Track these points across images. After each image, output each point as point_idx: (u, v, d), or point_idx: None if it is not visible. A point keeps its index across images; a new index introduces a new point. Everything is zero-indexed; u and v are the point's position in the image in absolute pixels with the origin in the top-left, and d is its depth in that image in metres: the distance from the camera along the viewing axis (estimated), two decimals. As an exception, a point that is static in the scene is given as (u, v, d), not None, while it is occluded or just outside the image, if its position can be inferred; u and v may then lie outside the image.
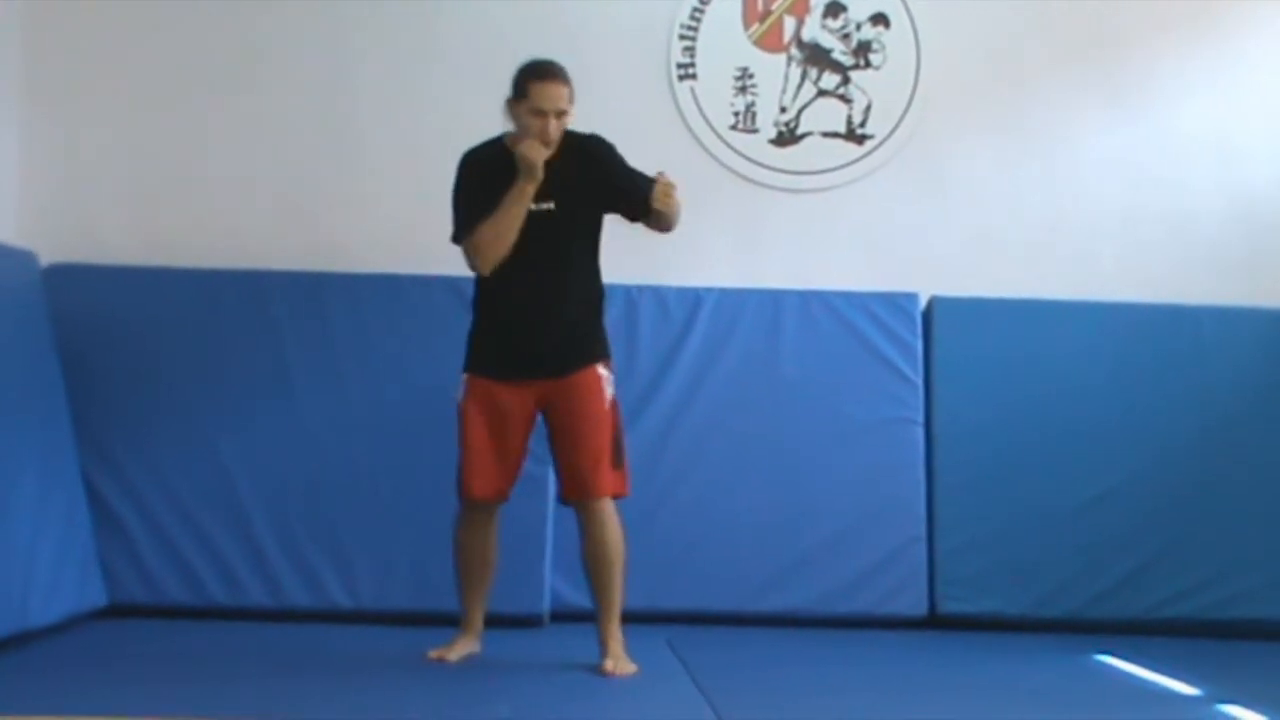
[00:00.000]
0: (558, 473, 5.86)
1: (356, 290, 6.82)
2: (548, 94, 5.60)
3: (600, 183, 5.74)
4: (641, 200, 5.67)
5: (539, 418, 5.84)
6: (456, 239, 5.75)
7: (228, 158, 7.11)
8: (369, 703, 5.08)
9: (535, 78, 5.62)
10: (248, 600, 6.59)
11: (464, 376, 5.81)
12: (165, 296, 6.80)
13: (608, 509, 5.76)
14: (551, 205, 5.68)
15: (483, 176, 5.71)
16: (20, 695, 4.92)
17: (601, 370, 5.78)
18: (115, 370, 6.68)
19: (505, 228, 5.63)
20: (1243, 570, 6.91)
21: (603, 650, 5.73)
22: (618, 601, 5.77)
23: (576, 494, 5.77)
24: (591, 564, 5.76)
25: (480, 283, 5.78)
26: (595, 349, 5.82)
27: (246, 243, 7.02)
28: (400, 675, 5.51)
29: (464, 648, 5.86)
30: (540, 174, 5.58)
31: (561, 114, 5.62)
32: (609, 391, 5.78)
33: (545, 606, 6.59)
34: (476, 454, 5.76)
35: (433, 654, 5.80)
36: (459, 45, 7.18)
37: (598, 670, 5.66)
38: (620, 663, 5.68)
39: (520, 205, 5.61)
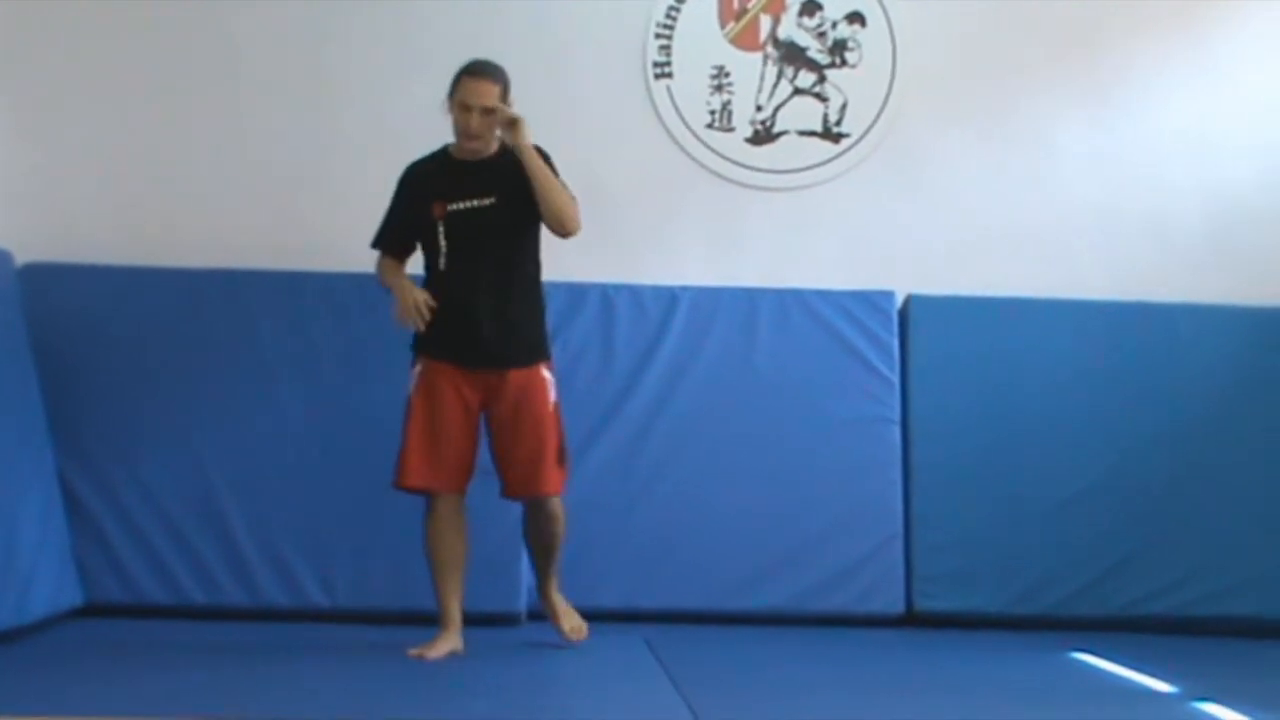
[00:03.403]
0: (500, 470, 6.03)
1: (336, 289, 6.81)
2: (472, 89, 5.85)
3: (527, 185, 5.90)
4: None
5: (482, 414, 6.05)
6: (374, 244, 6.14)
7: (206, 156, 7.10)
8: (346, 701, 5.08)
9: (464, 73, 5.89)
10: (225, 599, 6.58)
11: (416, 365, 6.02)
12: (143, 296, 6.78)
13: (556, 502, 6.04)
14: (492, 200, 5.91)
15: (414, 191, 6.06)
16: (-4, 695, 4.92)
17: (545, 372, 6.01)
18: (92, 370, 6.66)
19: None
20: (1218, 568, 6.93)
21: (555, 614, 6.19)
22: (558, 570, 6.20)
23: (523, 491, 6.01)
24: (539, 546, 6.15)
25: (429, 281, 6.01)
26: (539, 350, 6.05)
27: (225, 242, 7.01)
28: (378, 674, 5.51)
29: (446, 645, 5.89)
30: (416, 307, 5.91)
31: (487, 111, 5.84)
32: (553, 394, 6.01)
33: (522, 605, 6.59)
34: (414, 443, 5.95)
35: (412, 652, 5.82)
36: (438, 45, 7.15)
37: (564, 638, 6.14)
38: (575, 619, 6.20)
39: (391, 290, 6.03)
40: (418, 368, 5.99)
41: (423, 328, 5.90)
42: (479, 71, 5.88)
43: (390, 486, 6.01)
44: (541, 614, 6.51)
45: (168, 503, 6.62)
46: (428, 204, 5.96)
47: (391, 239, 6.09)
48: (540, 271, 6.09)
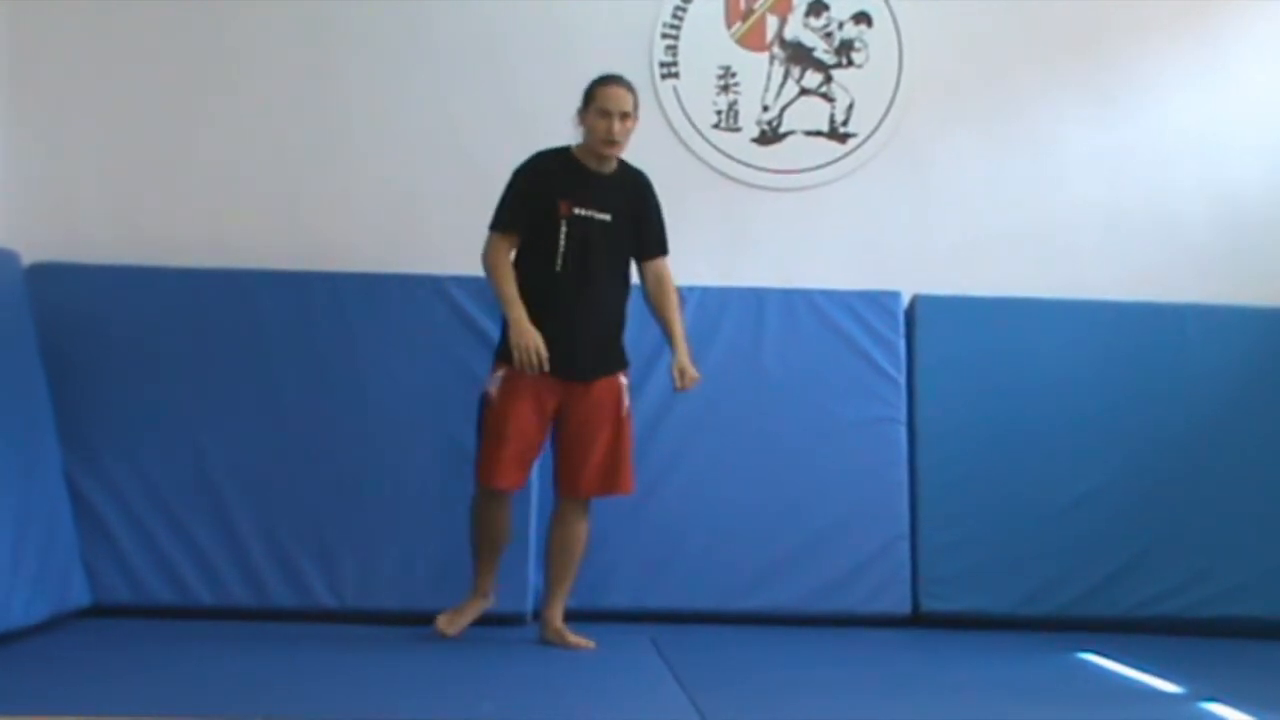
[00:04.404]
0: (571, 470, 6.18)
1: (340, 289, 6.81)
2: (612, 95, 6.08)
3: (640, 214, 6.20)
4: (647, 251, 6.27)
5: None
6: (492, 227, 6.16)
7: (211, 157, 7.10)
8: (352, 701, 5.08)
9: (601, 83, 6.13)
10: (232, 600, 6.58)
11: (500, 369, 6.13)
12: (149, 296, 6.78)
13: (588, 512, 6.26)
14: (609, 217, 6.12)
15: (541, 184, 6.14)
16: (3, 694, 4.91)
17: (623, 379, 6.25)
18: (98, 370, 6.66)
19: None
20: (1225, 568, 6.93)
21: (562, 634, 6.20)
22: (568, 594, 6.32)
23: (600, 490, 6.21)
24: (562, 555, 6.23)
25: (529, 277, 6.10)
26: (621, 360, 6.28)
27: (230, 242, 7.01)
28: (384, 674, 5.51)
29: (474, 610, 6.19)
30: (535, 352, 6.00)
31: (625, 116, 6.09)
32: (627, 399, 6.24)
33: (529, 606, 6.58)
34: (505, 446, 6.08)
35: (441, 619, 6.11)
36: (444, 44, 7.17)
37: (577, 646, 6.15)
38: (581, 638, 6.20)
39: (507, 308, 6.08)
40: (500, 372, 6.12)
41: (539, 370, 6.00)
42: (614, 80, 6.13)
43: (482, 484, 6.16)
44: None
45: (174, 503, 6.61)
46: (554, 200, 6.11)
47: (517, 223, 6.15)
48: (629, 286, 6.27)
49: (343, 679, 5.44)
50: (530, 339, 5.96)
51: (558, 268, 6.07)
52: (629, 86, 6.12)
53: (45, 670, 5.44)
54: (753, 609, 6.82)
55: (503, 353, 6.12)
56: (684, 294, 6.93)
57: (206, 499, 6.63)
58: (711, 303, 7.00)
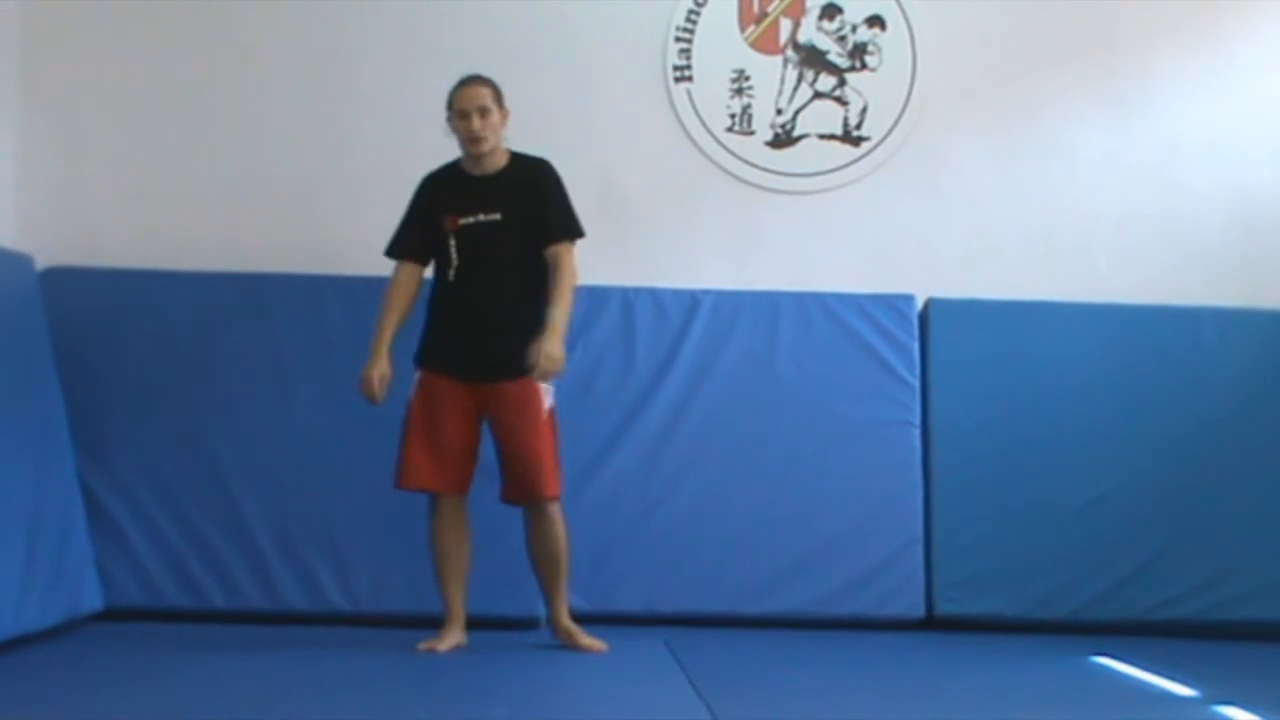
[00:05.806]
0: (502, 475, 6.17)
1: (354, 293, 6.81)
2: (466, 95, 6.13)
3: (534, 204, 6.11)
4: (545, 236, 6.10)
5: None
6: (387, 253, 6.29)
7: (225, 161, 7.11)
8: (366, 704, 5.08)
9: (456, 87, 6.18)
10: (245, 603, 6.59)
11: (416, 373, 6.18)
12: (163, 300, 6.80)
13: (556, 509, 6.13)
14: (498, 216, 6.10)
15: (429, 203, 6.25)
16: (17, 699, 4.92)
17: (540, 381, 6.07)
18: (112, 373, 6.68)
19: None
20: (1240, 572, 6.92)
21: (572, 634, 6.15)
22: (568, 592, 6.21)
23: (523, 496, 6.12)
24: (544, 561, 6.16)
25: (437, 292, 6.20)
26: None
27: (244, 246, 7.02)
28: (397, 677, 5.51)
29: (451, 639, 6.05)
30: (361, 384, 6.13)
31: (484, 111, 6.10)
32: (548, 401, 6.11)
33: (541, 609, 6.57)
34: (409, 446, 6.10)
35: (423, 646, 6.00)
36: (457, 49, 7.15)
37: (589, 647, 6.11)
38: (592, 638, 6.16)
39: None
40: (418, 375, 6.16)
41: (376, 402, 6.11)
42: (467, 80, 6.15)
43: (394, 488, 6.16)
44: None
45: (188, 507, 6.63)
46: (441, 217, 6.17)
47: (404, 248, 6.27)
48: (543, 279, 6.13)
49: (356, 682, 5.44)
50: (372, 371, 6.10)
51: (451, 279, 6.12)
52: (485, 82, 6.13)
53: (59, 675, 5.44)
54: (766, 612, 6.82)
55: (417, 357, 6.19)
56: (697, 297, 6.95)
57: (220, 502, 6.64)
58: (725, 306, 7.00)
